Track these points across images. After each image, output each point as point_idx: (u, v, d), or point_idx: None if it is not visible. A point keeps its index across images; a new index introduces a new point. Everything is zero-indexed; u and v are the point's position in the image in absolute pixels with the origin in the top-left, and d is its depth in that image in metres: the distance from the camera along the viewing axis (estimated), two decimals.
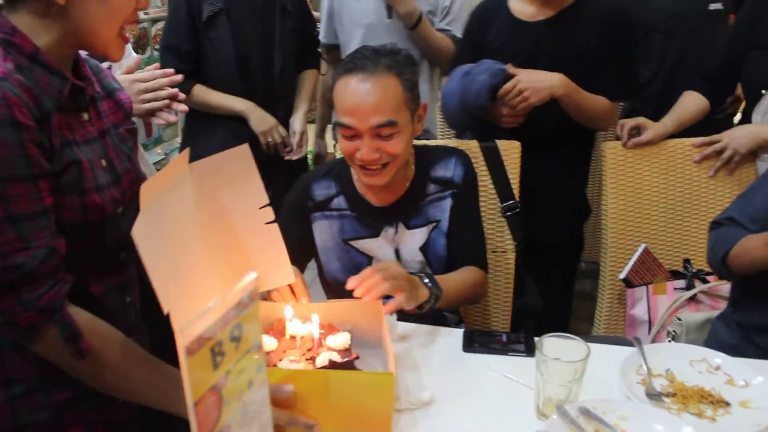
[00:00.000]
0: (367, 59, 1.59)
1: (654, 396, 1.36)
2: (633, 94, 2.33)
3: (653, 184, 2.17)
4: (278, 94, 2.55)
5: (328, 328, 1.40)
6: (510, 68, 2.02)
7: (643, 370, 1.43)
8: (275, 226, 1.26)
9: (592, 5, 2.09)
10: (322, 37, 2.79)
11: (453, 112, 2.13)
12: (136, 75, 1.69)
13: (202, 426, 0.71)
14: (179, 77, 1.71)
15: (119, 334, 1.18)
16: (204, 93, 2.47)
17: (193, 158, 1.11)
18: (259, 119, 2.48)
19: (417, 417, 1.34)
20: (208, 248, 1.07)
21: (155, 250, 0.85)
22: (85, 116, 1.22)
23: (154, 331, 1.38)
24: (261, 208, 1.22)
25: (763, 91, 2.08)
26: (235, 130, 2.46)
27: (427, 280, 1.56)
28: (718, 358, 1.48)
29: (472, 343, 1.58)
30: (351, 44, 2.61)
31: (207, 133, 2.51)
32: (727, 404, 1.34)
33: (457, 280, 1.70)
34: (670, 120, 2.20)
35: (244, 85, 2.47)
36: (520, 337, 1.60)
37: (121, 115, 1.35)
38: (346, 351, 1.34)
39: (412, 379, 1.44)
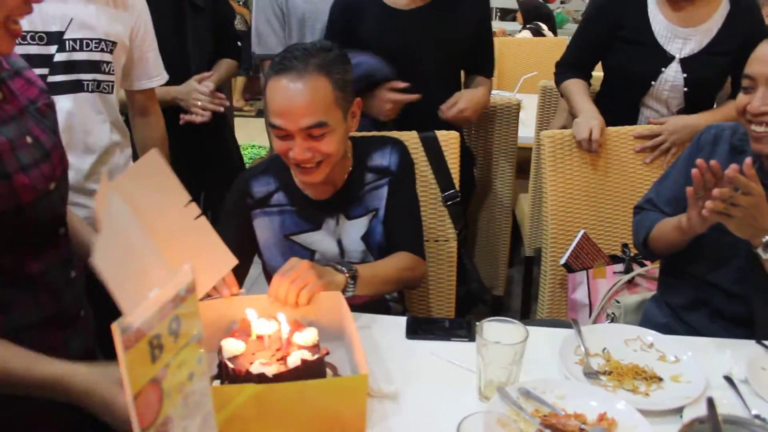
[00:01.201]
0: (296, 59, 1.58)
1: (591, 375, 1.41)
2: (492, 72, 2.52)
3: (591, 171, 2.22)
4: None
5: (294, 325, 1.40)
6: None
7: (580, 350, 1.48)
8: (203, 218, 1.28)
9: None
10: (268, 50, 2.60)
11: None
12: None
13: (143, 418, 0.72)
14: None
15: None
16: None
17: None
18: (182, 92, 2.37)
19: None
20: (155, 255, 1.09)
21: (115, 271, 0.85)
22: None
23: (101, 309, 1.36)
24: (186, 205, 1.25)
25: (653, 82, 2.27)
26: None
27: (340, 267, 1.59)
28: (651, 336, 1.54)
29: (415, 330, 1.60)
30: None
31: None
32: (660, 379, 1.40)
33: (386, 265, 1.73)
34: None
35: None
36: (462, 322, 1.62)
37: (36, 91, 1.31)
38: (315, 347, 1.33)
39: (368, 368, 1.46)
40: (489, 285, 2.75)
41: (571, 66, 2.46)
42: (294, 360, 1.27)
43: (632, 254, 2.12)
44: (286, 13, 2.53)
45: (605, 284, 2.07)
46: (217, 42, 2.55)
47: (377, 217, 1.79)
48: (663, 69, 2.24)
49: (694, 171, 1.44)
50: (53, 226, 1.26)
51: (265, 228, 1.79)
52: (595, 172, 2.23)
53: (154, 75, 2.05)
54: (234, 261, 1.37)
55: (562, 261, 2.11)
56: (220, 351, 1.33)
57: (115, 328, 0.67)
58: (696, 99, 2.28)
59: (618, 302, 1.97)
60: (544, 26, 5.85)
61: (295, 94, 1.56)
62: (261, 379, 1.23)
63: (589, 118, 2.19)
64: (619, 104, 2.36)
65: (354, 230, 1.79)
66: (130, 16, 1.90)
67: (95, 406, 1.04)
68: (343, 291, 1.56)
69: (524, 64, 4.46)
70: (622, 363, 1.45)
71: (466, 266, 2.24)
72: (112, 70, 1.86)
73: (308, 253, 1.78)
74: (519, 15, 6.45)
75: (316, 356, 1.29)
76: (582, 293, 2.10)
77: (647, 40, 2.25)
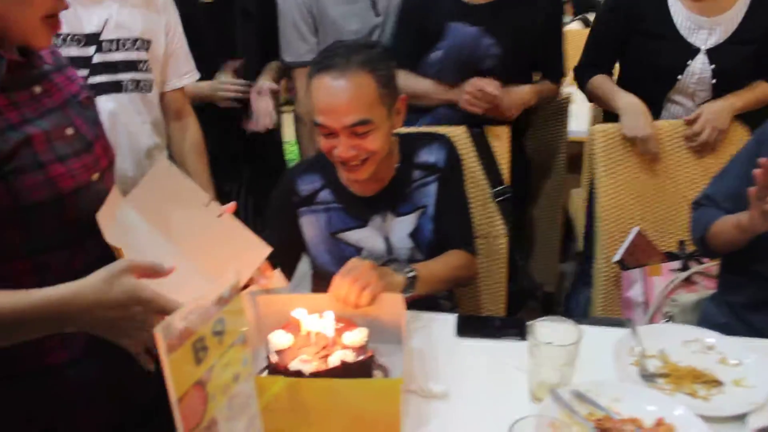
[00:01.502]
0: (339, 56, 1.56)
1: (647, 377, 1.36)
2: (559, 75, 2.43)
3: (646, 165, 2.16)
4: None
5: (347, 324, 1.39)
6: None
7: (636, 351, 1.43)
8: (227, 214, 1.30)
9: None
10: (296, 57, 2.46)
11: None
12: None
13: (187, 421, 0.71)
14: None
15: None
16: None
17: None
18: (210, 87, 2.36)
19: (410, 398, 1.34)
20: (184, 264, 1.10)
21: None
22: (38, 89, 1.20)
23: None
24: (207, 205, 1.26)
25: (679, 76, 2.16)
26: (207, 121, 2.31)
27: (399, 268, 1.57)
28: (711, 337, 1.48)
29: (465, 329, 1.58)
30: None
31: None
32: (720, 383, 1.35)
33: (441, 264, 1.71)
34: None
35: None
36: (514, 321, 1.60)
37: (77, 87, 1.33)
38: (361, 349, 1.32)
39: (415, 366, 1.44)
40: (540, 281, 2.69)
41: (591, 67, 2.34)
42: (334, 360, 1.26)
43: (689, 251, 2.05)
44: (317, 17, 2.40)
45: (661, 282, 2.01)
46: (265, 44, 2.50)
47: (426, 214, 1.77)
48: (689, 62, 2.14)
49: (756, 171, 1.38)
50: (93, 218, 1.25)
51: (311, 226, 1.78)
52: (649, 166, 2.16)
53: (184, 72, 2.05)
54: (267, 248, 1.36)
55: (616, 258, 2.06)
56: (267, 344, 1.33)
57: (158, 331, 0.66)
58: (725, 90, 2.17)
59: (675, 301, 1.91)
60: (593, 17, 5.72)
61: (338, 92, 1.55)
62: (298, 376, 1.22)
63: (638, 113, 2.11)
64: (645, 101, 2.22)
65: (401, 227, 1.77)
66: (162, 14, 1.92)
67: (88, 307, 0.99)
68: (402, 292, 1.53)
69: (575, 55, 4.36)
70: (680, 365, 1.40)
71: (517, 263, 2.20)
72: (149, 69, 1.88)
73: (355, 251, 1.77)
74: (568, 6, 6.33)
75: (360, 357, 1.27)
76: (637, 291, 2.04)
77: (670, 33, 2.15)
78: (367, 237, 1.76)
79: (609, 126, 2.15)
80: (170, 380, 0.68)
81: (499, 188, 2.05)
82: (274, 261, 1.55)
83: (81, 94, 1.32)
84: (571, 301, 2.50)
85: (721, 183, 1.73)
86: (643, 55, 2.22)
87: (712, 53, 2.13)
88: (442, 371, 1.43)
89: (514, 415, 1.16)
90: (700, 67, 2.14)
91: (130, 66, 1.83)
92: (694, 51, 2.14)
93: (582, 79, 2.36)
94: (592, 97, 2.38)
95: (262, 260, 1.40)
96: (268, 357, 1.31)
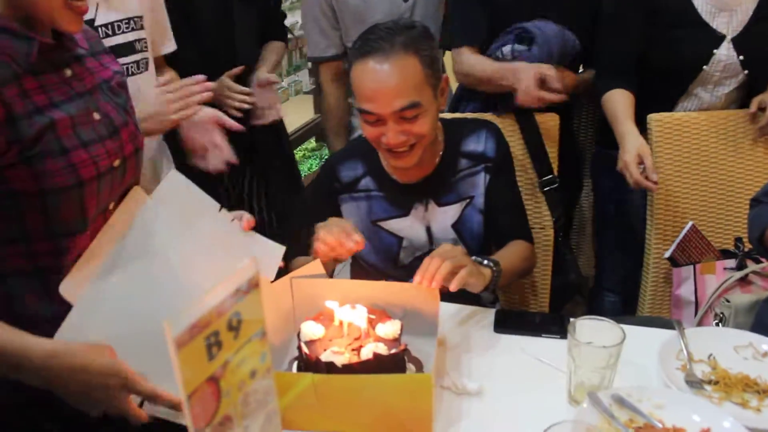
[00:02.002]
0: (381, 39, 1.51)
1: (694, 383, 1.29)
2: None
3: (703, 157, 2.06)
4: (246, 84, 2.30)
5: (380, 315, 1.36)
6: None
7: (683, 355, 1.36)
8: (235, 222, 1.34)
9: None
10: (319, 52, 2.44)
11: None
12: (167, 87, 1.66)
13: (198, 419, 0.68)
14: (211, 84, 1.67)
15: None
16: None
17: None
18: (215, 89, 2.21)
19: (443, 394, 1.31)
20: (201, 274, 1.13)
21: None
22: (68, 72, 1.20)
23: None
24: (219, 211, 1.29)
25: (704, 67, 2.01)
26: None
27: (486, 261, 1.51)
28: (766, 344, 1.39)
29: (504, 324, 1.53)
30: None
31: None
32: None
33: (510, 256, 1.66)
34: None
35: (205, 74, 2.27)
36: (555, 318, 1.54)
37: (110, 72, 1.32)
38: (394, 341, 1.29)
39: (451, 361, 1.41)
40: (587, 275, 2.62)
41: (613, 73, 2.08)
42: (367, 353, 1.23)
43: (746, 249, 1.95)
44: (337, 10, 2.33)
45: (714, 281, 1.92)
46: (264, 25, 2.39)
47: (472, 205, 1.72)
48: (714, 51, 1.99)
49: None
50: (107, 202, 1.27)
51: (352, 214, 1.75)
52: (707, 158, 2.06)
53: (167, 39, 1.98)
54: (282, 249, 1.38)
55: (667, 254, 1.97)
56: (299, 333, 1.31)
57: (167, 325, 0.63)
58: (757, 78, 2.03)
59: (728, 301, 1.81)
60: None
61: (384, 76, 1.50)
62: (329, 368, 1.20)
63: (635, 145, 1.89)
64: (658, 96, 2.09)
65: (444, 217, 1.72)
66: None
67: (64, 372, 1.01)
68: (489, 286, 1.50)
69: None
70: (730, 372, 1.32)
71: (564, 256, 2.13)
72: (146, 47, 1.84)
73: (396, 240, 1.73)
74: None
75: (393, 350, 1.24)
76: (688, 290, 1.95)
77: (691, 20, 1.99)
78: (408, 226, 1.73)
79: (665, 115, 2.05)
80: (179, 377, 0.66)
81: (546, 177, 1.98)
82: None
83: (113, 79, 1.32)
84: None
85: None
86: (664, 48, 2.04)
87: (737, 41, 1.98)
88: (478, 368, 1.39)
89: (550, 417, 1.12)
90: (725, 54, 1.99)
91: (129, 48, 1.78)
92: (718, 38, 1.98)
93: (601, 88, 2.09)
94: (605, 111, 2.09)
95: (278, 261, 1.39)
96: (299, 347, 1.29)
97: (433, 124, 1.58)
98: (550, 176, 1.98)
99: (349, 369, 1.20)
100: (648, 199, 2.08)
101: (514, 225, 1.75)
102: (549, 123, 1.99)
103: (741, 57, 1.98)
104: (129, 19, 1.78)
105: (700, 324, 1.87)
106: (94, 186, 1.20)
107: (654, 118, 2.05)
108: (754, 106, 2.01)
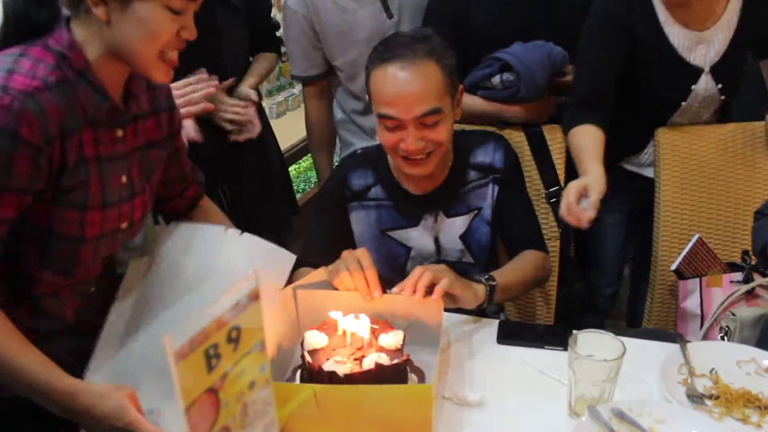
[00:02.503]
0: (403, 46, 1.54)
1: (695, 398, 1.29)
2: None
3: (712, 170, 2.06)
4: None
5: (383, 325, 1.37)
6: None
7: (685, 369, 1.37)
8: (246, 234, 1.37)
9: None
10: (301, 71, 2.39)
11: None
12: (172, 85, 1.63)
13: (197, 429, 0.70)
14: (215, 81, 1.68)
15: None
16: None
17: None
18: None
19: (444, 405, 1.32)
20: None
21: None
22: (120, 133, 1.24)
23: None
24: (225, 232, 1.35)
25: (683, 103, 1.97)
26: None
27: (477, 277, 1.52)
28: None
29: (507, 335, 1.54)
30: (357, 63, 2.20)
31: None
32: None
33: (517, 268, 1.66)
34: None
35: None
36: (557, 329, 1.55)
37: (160, 135, 1.36)
38: (397, 351, 1.30)
39: (453, 372, 1.42)
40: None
41: (585, 104, 1.90)
42: (369, 363, 1.24)
43: (753, 262, 1.95)
44: (319, 31, 2.25)
45: (720, 294, 1.91)
46: (254, 35, 2.29)
47: (480, 217, 1.73)
48: (693, 87, 1.93)
49: None
50: (103, 256, 1.31)
51: (361, 222, 1.76)
52: (715, 171, 2.06)
53: None
54: (292, 256, 1.39)
55: (673, 267, 1.97)
56: (302, 342, 1.33)
57: (167, 339, 0.65)
58: (731, 101, 2.01)
59: (733, 315, 1.80)
60: None
61: (408, 82, 1.52)
62: (332, 377, 1.21)
63: (590, 178, 1.66)
64: (636, 129, 2.06)
65: (452, 228, 1.73)
66: None
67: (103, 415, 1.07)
68: (483, 302, 1.51)
69: None
70: (732, 387, 1.32)
71: (569, 266, 2.13)
72: None
73: (404, 250, 1.74)
74: None
75: (396, 360, 1.25)
76: (693, 302, 1.95)
77: (668, 56, 1.89)
78: (417, 237, 1.74)
79: (672, 128, 2.05)
80: (178, 388, 0.67)
81: (553, 189, 1.99)
82: (322, 256, 1.56)
83: (155, 147, 1.35)
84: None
85: None
86: (642, 83, 1.96)
87: (715, 71, 1.92)
88: (480, 378, 1.40)
89: (550, 430, 1.13)
90: (704, 88, 1.94)
91: None
92: (697, 73, 1.92)
93: (567, 121, 1.92)
94: (569, 144, 1.91)
95: (289, 268, 1.41)
96: (302, 356, 1.30)
97: (450, 132, 1.61)
98: (557, 187, 1.98)
99: (351, 379, 1.21)
100: (655, 212, 2.08)
101: (526, 235, 1.76)
102: (556, 134, 2.00)
103: (720, 86, 1.95)
104: None
105: (705, 337, 1.86)
106: (92, 245, 1.24)
107: (662, 132, 2.05)
108: None
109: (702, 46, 1.89)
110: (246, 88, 2.16)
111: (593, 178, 1.65)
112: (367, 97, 1.63)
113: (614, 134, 1.93)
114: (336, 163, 2.54)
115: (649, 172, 2.11)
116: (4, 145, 1.05)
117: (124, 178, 1.26)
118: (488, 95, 2.03)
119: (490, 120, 2.03)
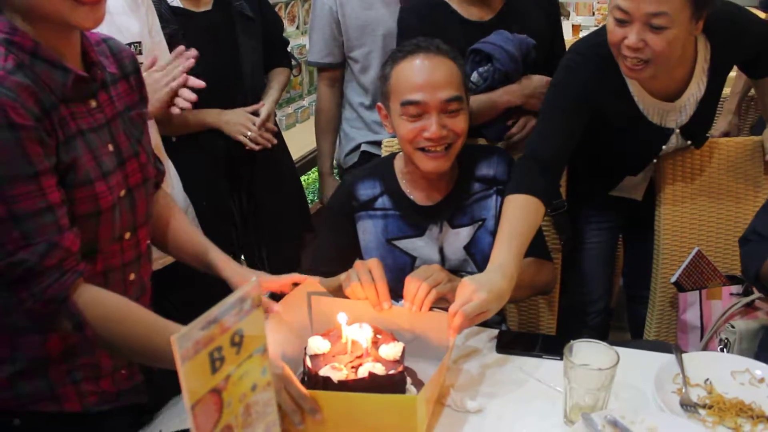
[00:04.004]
0: (424, 43, 1.67)
1: (689, 407, 1.32)
2: None
3: (711, 183, 2.08)
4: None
5: (386, 336, 1.40)
6: None
7: (680, 379, 1.40)
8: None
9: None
10: (318, 58, 2.56)
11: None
12: (153, 68, 1.72)
13: (201, 427, 0.74)
14: (194, 52, 1.71)
15: (120, 301, 1.22)
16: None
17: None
18: (230, 123, 2.26)
19: (444, 412, 1.36)
20: None
21: None
22: (93, 103, 1.25)
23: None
24: None
25: (655, 160, 2.02)
26: (208, 146, 2.28)
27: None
28: (762, 369, 1.41)
29: (506, 344, 1.57)
30: (371, 57, 2.47)
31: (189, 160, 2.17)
32: None
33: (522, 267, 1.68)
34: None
35: (216, 105, 2.26)
36: (555, 339, 1.58)
37: (136, 98, 1.37)
38: (394, 363, 1.33)
39: (453, 380, 1.45)
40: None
41: (539, 164, 1.72)
42: (363, 371, 1.27)
43: None
44: (342, 23, 2.46)
45: (720, 306, 1.94)
46: (267, 51, 2.43)
47: (484, 228, 1.77)
48: (663, 146, 1.94)
49: None
50: (121, 231, 1.31)
51: (368, 231, 1.80)
52: (715, 184, 2.08)
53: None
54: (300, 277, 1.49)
55: (673, 279, 2.00)
56: (306, 347, 1.37)
57: (174, 341, 0.69)
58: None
59: (733, 327, 1.83)
60: None
61: (434, 69, 1.64)
62: (326, 382, 1.24)
63: (487, 283, 1.44)
64: (611, 171, 2.09)
65: (457, 239, 1.77)
66: (141, 6, 1.87)
67: None
68: None
69: None
70: (725, 397, 1.35)
71: (571, 277, 2.16)
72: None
73: (409, 259, 1.78)
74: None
75: (391, 372, 1.28)
76: (693, 314, 1.97)
77: (638, 123, 1.86)
78: (422, 246, 1.77)
79: (674, 143, 2.08)
80: (185, 387, 0.72)
81: (554, 201, 2.02)
82: (330, 264, 1.62)
83: (135, 108, 1.37)
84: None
85: (767, 216, 1.66)
86: (613, 146, 1.97)
87: (684, 130, 1.92)
88: (479, 386, 1.43)
89: None
90: (674, 144, 1.95)
91: None
92: (667, 134, 1.91)
93: (516, 176, 1.73)
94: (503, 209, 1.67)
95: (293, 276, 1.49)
96: (304, 360, 1.34)
97: (467, 125, 1.68)
98: (558, 200, 2.01)
99: (343, 385, 1.24)
100: (656, 225, 2.11)
101: (530, 244, 1.78)
102: None
103: (689, 141, 1.97)
104: (129, 44, 1.79)
105: (705, 349, 1.89)
106: (109, 215, 1.25)
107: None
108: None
109: (673, 113, 1.87)
110: (266, 111, 2.33)
111: (491, 286, 1.43)
112: (380, 90, 1.74)
113: (592, 175, 2.05)
114: (336, 155, 2.71)
115: (635, 194, 2.16)
116: (8, 138, 1.07)
117: (110, 147, 1.27)
118: (474, 93, 2.03)
119: (491, 115, 2.03)
